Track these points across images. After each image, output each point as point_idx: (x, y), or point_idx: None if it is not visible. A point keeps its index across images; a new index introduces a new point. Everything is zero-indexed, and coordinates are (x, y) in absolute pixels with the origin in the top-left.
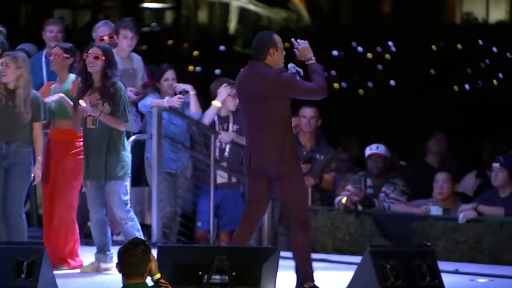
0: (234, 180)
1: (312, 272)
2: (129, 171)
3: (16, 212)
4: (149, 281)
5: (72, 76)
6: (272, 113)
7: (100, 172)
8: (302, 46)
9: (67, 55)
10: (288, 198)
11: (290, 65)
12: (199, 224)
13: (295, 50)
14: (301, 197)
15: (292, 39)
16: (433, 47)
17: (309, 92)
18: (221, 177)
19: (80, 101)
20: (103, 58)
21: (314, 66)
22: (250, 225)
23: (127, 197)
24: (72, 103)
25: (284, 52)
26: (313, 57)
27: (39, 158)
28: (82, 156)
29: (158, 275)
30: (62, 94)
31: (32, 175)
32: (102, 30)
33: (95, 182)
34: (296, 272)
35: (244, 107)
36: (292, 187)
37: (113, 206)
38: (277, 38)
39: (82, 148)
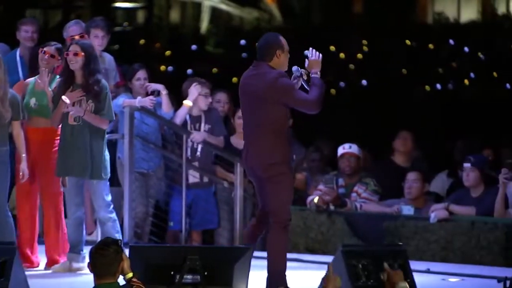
0: (206, 180)
1: (285, 276)
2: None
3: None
4: (121, 280)
5: (57, 77)
6: (267, 115)
7: (85, 170)
8: (314, 58)
9: (60, 58)
10: (273, 200)
11: (294, 67)
12: (171, 224)
13: (306, 59)
14: (286, 201)
15: (310, 48)
16: (405, 46)
17: (303, 103)
18: (193, 176)
19: (63, 97)
20: (83, 54)
21: (316, 80)
22: (258, 226)
23: (110, 197)
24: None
25: (289, 55)
26: (319, 72)
27: (24, 156)
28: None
29: (130, 274)
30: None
31: (21, 173)
32: (73, 29)
33: (76, 180)
34: (269, 273)
35: (243, 108)
36: (278, 189)
37: (96, 207)
38: (283, 40)
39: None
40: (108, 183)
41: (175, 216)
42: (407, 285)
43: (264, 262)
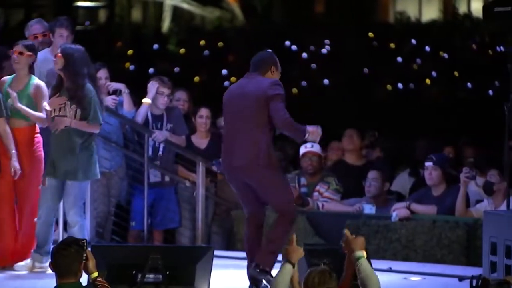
0: (167, 179)
1: (274, 262)
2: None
3: None
4: (84, 279)
5: (34, 79)
6: (265, 116)
7: (69, 172)
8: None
9: (30, 53)
10: (279, 198)
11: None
12: (133, 223)
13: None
14: (291, 197)
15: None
16: (366, 46)
17: (282, 118)
18: (155, 176)
19: (44, 104)
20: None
21: (302, 127)
22: (255, 233)
23: (83, 201)
24: (27, 109)
25: (280, 75)
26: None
27: (14, 152)
28: (39, 153)
29: (95, 274)
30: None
31: (12, 169)
32: (35, 28)
33: (56, 181)
34: (262, 252)
35: (234, 112)
36: (282, 187)
37: (67, 208)
38: (276, 59)
39: (38, 145)
40: (83, 187)
41: (136, 216)
42: (364, 254)
43: (226, 261)
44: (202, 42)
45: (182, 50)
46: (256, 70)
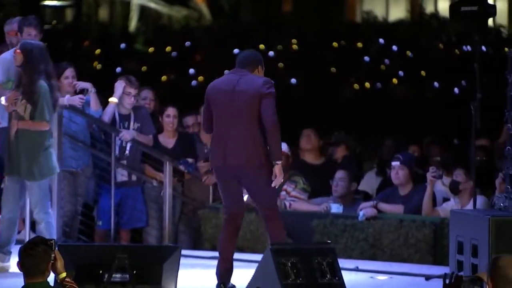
0: (134, 178)
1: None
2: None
3: None
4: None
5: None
6: (258, 114)
7: (25, 171)
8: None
9: None
10: (268, 194)
11: None
12: (100, 222)
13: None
14: (276, 194)
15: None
16: (334, 45)
17: (271, 118)
18: (122, 175)
19: (1, 98)
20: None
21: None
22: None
23: (48, 198)
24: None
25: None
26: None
27: None
28: None
29: (63, 274)
30: None
31: None
32: (15, 26)
33: (16, 180)
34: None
35: (226, 109)
36: (269, 184)
37: (32, 207)
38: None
39: None
40: (43, 185)
41: (103, 215)
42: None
43: (193, 261)
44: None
45: (149, 49)
46: (245, 67)
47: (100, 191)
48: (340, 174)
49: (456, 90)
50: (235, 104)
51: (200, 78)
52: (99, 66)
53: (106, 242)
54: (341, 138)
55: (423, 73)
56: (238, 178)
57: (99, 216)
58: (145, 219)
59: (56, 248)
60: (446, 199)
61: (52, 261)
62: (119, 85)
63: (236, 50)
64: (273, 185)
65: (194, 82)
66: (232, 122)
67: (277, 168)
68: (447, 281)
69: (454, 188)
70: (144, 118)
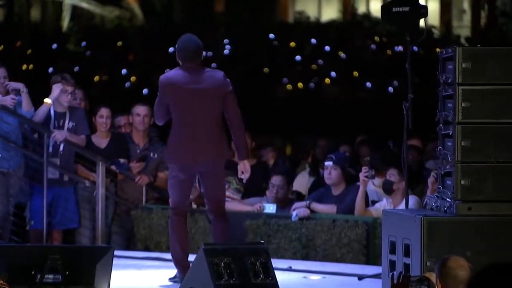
0: (66, 178)
1: None
2: None
3: None
4: None
5: None
6: (219, 111)
7: None
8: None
9: None
10: (223, 193)
11: None
12: (32, 222)
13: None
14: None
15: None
16: (266, 45)
17: (239, 116)
18: (53, 173)
19: None
20: None
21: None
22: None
23: None
24: None
25: None
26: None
27: None
28: None
29: None
30: None
31: None
32: None
33: None
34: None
35: (188, 107)
36: (224, 182)
37: None
38: None
39: None
40: None
41: (35, 215)
42: None
43: (126, 261)
44: (101, 44)
45: (81, 50)
46: (194, 60)
47: (32, 191)
48: (277, 181)
49: (390, 89)
50: (201, 104)
51: (133, 78)
52: (31, 66)
53: (39, 242)
54: (268, 140)
55: (355, 73)
56: (203, 174)
57: (31, 216)
58: (77, 219)
59: None
60: (374, 202)
61: None
62: (57, 88)
63: (170, 49)
64: (244, 180)
65: (127, 84)
66: (200, 122)
67: (247, 164)
68: (395, 281)
69: (387, 188)
70: (79, 118)
